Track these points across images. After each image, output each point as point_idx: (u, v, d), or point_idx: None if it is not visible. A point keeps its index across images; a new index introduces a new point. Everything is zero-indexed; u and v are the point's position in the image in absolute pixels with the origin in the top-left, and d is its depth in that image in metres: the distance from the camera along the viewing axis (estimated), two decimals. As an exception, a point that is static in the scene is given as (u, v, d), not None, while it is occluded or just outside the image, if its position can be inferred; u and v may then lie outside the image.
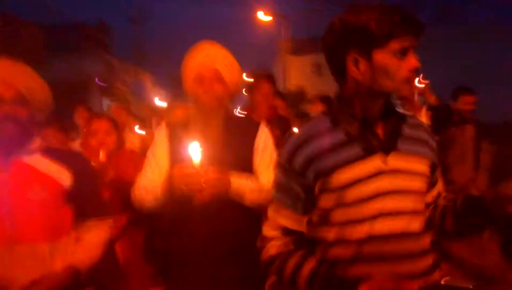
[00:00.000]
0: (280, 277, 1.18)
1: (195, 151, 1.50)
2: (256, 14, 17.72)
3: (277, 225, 1.23)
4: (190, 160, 1.49)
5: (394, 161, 1.15)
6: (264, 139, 1.77)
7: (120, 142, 2.55)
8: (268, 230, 1.25)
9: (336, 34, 1.15)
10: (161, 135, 1.82)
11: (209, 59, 1.73)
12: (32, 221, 1.48)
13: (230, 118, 1.81)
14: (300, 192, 1.19)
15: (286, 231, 1.21)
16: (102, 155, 2.27)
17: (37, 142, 1.59)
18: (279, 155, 1.26)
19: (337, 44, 1.15)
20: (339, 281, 1.08)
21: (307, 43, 21.26)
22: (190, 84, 1.77)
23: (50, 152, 1.60)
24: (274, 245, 1.21)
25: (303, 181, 1.18)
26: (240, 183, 1.63)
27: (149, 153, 1.83)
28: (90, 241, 1.60)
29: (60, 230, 1.54)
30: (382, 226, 1.11)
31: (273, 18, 17.78)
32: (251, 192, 1.63)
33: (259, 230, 1.30)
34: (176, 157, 1.70)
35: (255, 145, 1.74)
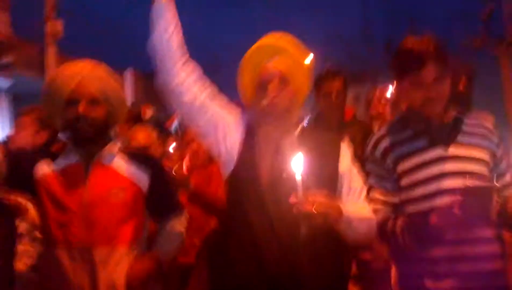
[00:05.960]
0: (385, 233, 1.43)
1: (298, 165, 1.17)
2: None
3: (379, 201, 1.47)
4: (293, 178, 1.18)
5: (454, 149, 1.40)
6: (349, 161, 1.47)
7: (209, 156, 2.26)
8: (375, 206, 1.46)
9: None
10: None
11: (272, 58, 1.43)
12: (112, 223, 1.47)
13: (303, 130, 1.49)
14: (386, 174, 1.47)
15: (386, 204, 1.46)
16: (184, 167, 2.18)
17: (117, 144, 1.61)
18: (366, 151, 1.52)
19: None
20: (420, 223, 1.35)
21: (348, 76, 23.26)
22: (250, 93, 1.49)
23: (129, 155, 1.59)
24: (380, 214, 1.45)
25: (385, 166, 1.47)
26: (349, 211, 1.33)
27: None
28: (170, 234, 1.63)
29: (138, 231, 1.54)
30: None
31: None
32: (359, 222, 1.36)
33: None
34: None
35: (340, 169, 1.43)
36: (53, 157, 1.56)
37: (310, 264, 1.35)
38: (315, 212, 1.20)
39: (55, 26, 4.69)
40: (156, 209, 1.62)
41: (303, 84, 1.49)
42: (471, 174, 1.35)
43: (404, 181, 1.45)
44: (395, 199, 1.47)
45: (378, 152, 1.49)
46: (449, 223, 1.31)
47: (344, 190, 1.43)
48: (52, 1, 4.72)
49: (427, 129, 1.46)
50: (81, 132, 1.49)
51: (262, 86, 1.43)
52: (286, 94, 1.42)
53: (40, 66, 4.79)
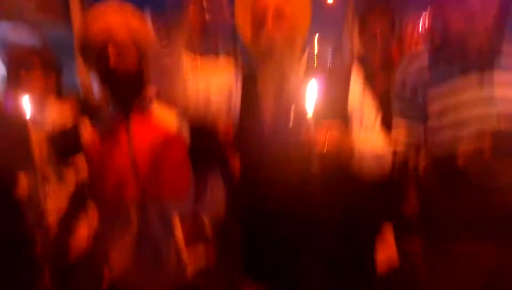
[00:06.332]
0: (407, 173, 1.45)
1: (307, 102, 1.10)
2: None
3: (402, 132, 1.44)
4: (299, 115, 1.14)
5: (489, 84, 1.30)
6: (360, 93, 1.36)
7: None
8: (397, 137, 1.43)
9: None
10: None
11: None
12: (162, 178, 1.42)
13: (308, 64, 1.40)
14: (413, 101, 1.42)
15: (410, 136, 1.45)
16: None
17: (152, 88, 1.49)
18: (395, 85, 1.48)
19: None
20: (447, 165, 1.32)
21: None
22: (246, 29, 1.40)
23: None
24: (401, 150, 1.42)
25: (416, 102, 1.41)
26: (361, 148, 1.28)
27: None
28: (214, 190, 1.55)
29: (187, 184, 1.49)
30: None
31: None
32: (372, 159, 1.31)
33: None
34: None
35: (350, 103, 1.34)
36: (90, 114, 1.52)
37: (322, 201, 1.31)
38: (326, 150, 1.16)
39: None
40: (198, 160, 1.52)
41: (301, 15, 1.39)
42: (505, 117, 1.27)
43: (433, 108, 1.40)
44: (420, 130, 1.43)
45: (408, 88, 1.45)
46: (478, 168, 1.28)
47: (356, 124, 1.35)
48: None
49: (463, 58, 1.36)
50: (116, 85, 1.42)
51: (257, 22, 1.35)
52: (284, 27, 1.33)
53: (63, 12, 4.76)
